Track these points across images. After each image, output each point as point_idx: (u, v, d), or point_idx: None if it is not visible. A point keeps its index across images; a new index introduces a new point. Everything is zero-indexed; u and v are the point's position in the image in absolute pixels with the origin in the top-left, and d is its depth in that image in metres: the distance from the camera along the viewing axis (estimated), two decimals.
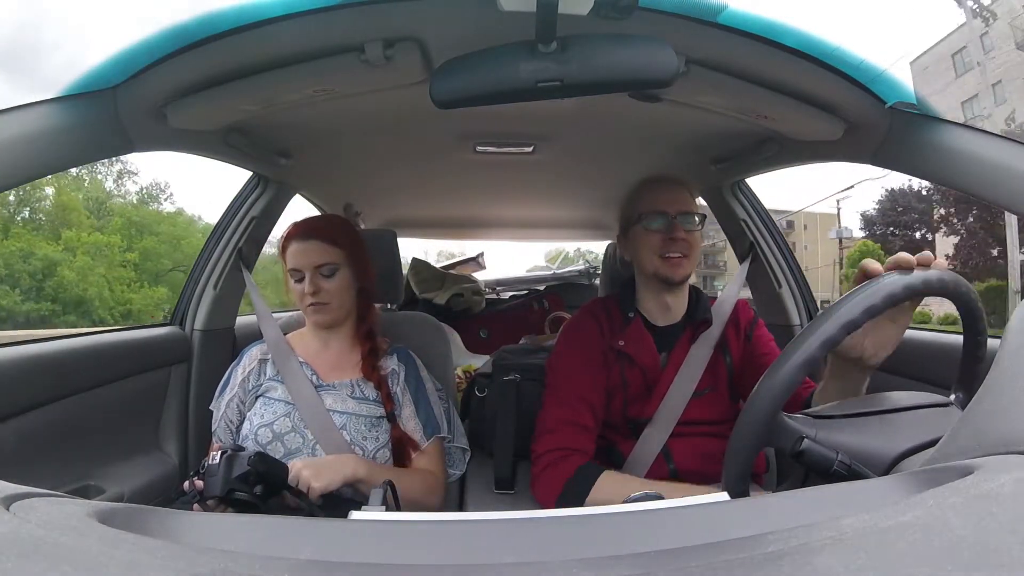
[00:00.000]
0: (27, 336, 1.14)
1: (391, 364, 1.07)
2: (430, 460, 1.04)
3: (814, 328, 0.56)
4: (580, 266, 3.16)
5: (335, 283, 1.02)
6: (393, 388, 1.05)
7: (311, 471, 0.84)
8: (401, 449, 1.02)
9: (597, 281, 2.75)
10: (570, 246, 3.93)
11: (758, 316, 1.11)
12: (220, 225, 1.39)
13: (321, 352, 1.07)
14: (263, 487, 0.80)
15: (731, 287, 1.20)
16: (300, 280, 1.02)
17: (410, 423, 1.04)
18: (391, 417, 1.02)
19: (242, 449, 0.82)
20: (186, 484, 0.80)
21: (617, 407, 1.01)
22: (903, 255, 0.59)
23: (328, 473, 0.85)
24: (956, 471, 0.34)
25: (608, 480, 0.91)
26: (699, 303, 1.06)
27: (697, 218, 1.02)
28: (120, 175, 19.36)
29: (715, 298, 1.12)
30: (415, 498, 0.93)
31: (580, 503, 0.89)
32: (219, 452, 0.80)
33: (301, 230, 1.03)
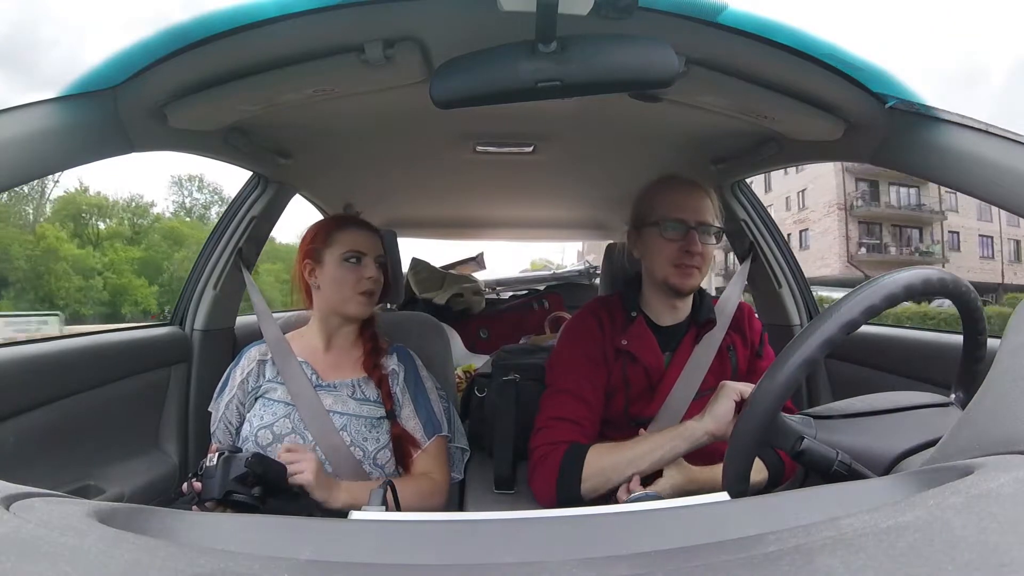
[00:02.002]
0: None
1: (391, 363, 1.07)
2: (432, 460, 1.03)
3: (814, 328, 0.56)
4: (580, 266, 3.17)
5: (382, 278, 1.06)
6: (393, 388, 1.04)
7: (295, 456, 0.86)
8: (402, 448, 1.01)
9: (597, 281, 2.75)
10: (554, 257, 3.96)
11: (763, 326, 1.12)
12: (220, 225, 1.39)
13: (322, 351, 1.06)
14: (261, 488, 0.80)
15: (732, 287, 1.20)
16: (357, 262, 1.03)
17: (410, 422, 1.04)
18: (391, 416, 1.02)
19: (239, 450, 0.82)
20: (184, 486, 0.80)
21: (619, 406, 1.01)
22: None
23: (306, 463, 0.85)
24: (956, 471, 0.34)
25: (597, 452, 0.91)
26: (703, 303, 1.06)
27: (715, 235, 1.00)
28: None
29: (717, 298, 1.12)
30: (411, 505, 0.91)
31: (577, 485, 0.89)
32: (216, 454, 0.80)
33: (357, 220, 1.08)
